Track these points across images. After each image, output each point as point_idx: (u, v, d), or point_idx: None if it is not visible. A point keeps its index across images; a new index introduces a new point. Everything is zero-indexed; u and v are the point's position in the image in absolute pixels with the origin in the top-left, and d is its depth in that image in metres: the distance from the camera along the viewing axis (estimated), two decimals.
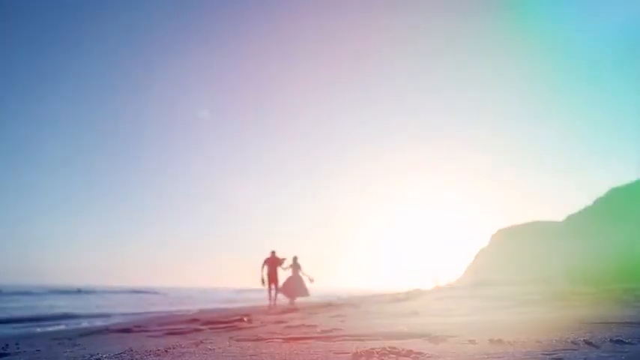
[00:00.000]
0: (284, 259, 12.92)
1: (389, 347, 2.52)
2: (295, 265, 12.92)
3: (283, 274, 13.11)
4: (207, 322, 6.06)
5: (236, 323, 5.63)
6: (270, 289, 12.69)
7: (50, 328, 8.65)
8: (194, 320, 7.09)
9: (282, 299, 13.37)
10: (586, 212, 26.66)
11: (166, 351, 2.98)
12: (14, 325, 9.79)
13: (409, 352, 2.36)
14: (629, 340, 2.47)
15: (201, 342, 3.47)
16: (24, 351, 3.47)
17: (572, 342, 2.47)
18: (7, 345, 3.89)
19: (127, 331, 5.67)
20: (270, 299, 12.75)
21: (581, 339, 2.54)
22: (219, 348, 3.03)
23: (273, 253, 12.90)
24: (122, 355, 2.86)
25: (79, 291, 39.89)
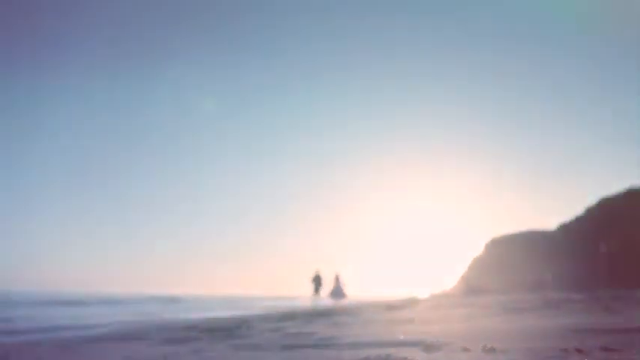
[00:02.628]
0: (333, 278, 20.38)
1: (384, 355, 2.58)
2: (336, 278, 19.67)
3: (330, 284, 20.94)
4: (207, 330, 6.06)
5: (235, 331, 5.65)
6: (314, 296, 19.37)
7: (52, 337, 8.56)
8: (193, 328, 7.08)
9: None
10: (578, 221, 26.99)
11: (163, 359, 3.01)
12: (18, 334, 9.64)
13: None
14: (619, 347, 2.55)
15: (199, 350, 3.51)
16: (24, 359, 3.48)
17: (562, 350, 2.54)
18: (7, 352, 3.90)
19: (126, 339, 5.65)
20: (312, 303, 18.60)
21: (572, 347, 2.61)
22: (217, 356, 3.07)
23: (317, 270, 19.82)
24: None
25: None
